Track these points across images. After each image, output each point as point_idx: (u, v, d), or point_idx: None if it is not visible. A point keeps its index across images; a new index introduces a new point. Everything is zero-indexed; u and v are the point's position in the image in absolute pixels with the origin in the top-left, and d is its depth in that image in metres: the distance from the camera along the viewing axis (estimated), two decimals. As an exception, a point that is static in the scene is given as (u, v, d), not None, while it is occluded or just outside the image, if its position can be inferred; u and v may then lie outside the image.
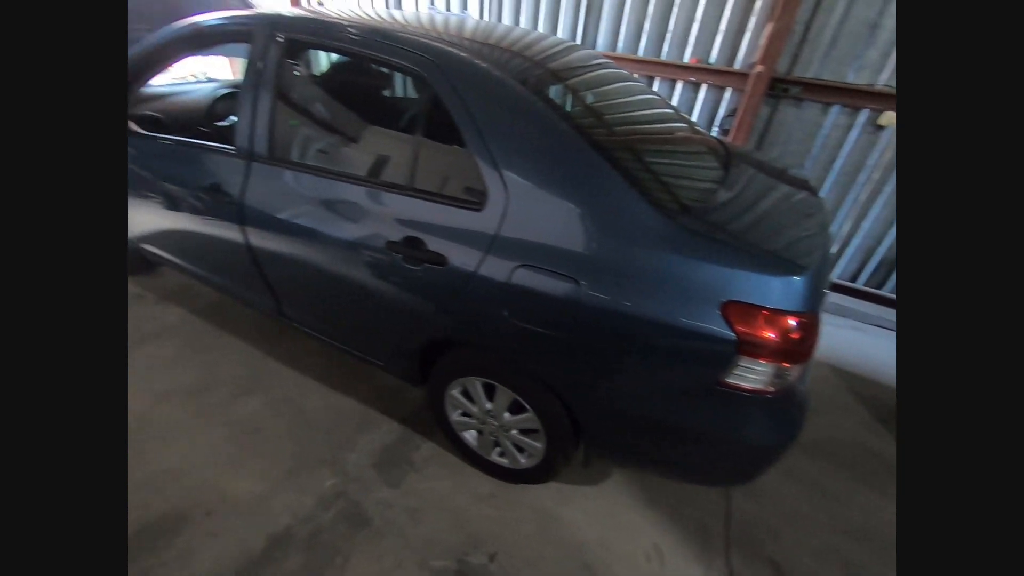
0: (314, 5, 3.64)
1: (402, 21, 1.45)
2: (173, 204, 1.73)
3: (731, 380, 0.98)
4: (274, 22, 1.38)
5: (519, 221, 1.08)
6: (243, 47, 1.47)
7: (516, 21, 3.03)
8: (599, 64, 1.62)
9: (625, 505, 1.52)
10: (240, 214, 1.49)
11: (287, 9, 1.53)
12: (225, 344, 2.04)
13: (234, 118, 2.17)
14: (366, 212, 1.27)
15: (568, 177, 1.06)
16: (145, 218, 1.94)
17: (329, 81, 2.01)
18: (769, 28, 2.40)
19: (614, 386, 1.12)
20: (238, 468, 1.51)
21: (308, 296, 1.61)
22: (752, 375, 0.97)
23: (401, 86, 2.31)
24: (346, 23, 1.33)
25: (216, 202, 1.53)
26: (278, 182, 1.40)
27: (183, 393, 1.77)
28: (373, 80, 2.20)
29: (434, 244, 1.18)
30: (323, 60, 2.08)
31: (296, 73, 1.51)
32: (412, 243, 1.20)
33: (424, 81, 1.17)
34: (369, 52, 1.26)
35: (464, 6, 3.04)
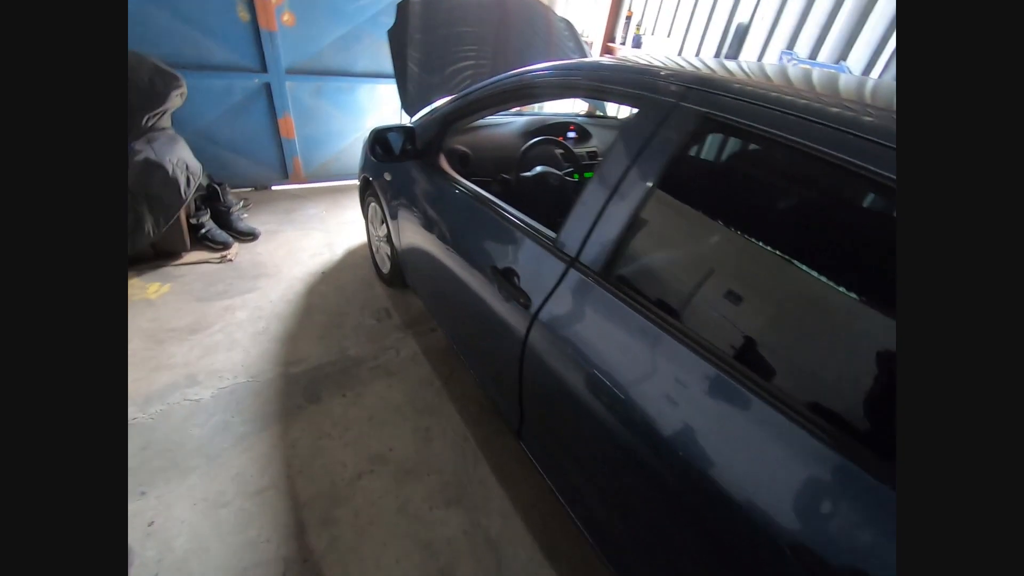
0: (627, 53, 3.35)
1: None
2: (448, 256, 1.51)
3: None
4: (687, 87, 0.91)
5: None
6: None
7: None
8: None
9: None
10: (529, 319, 1.10)
11: (717, 66, 0.99)
12: (444, 411, 1.79)
13: (539, 168, 1.93)
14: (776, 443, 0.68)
15: None
16: (417, 255, 1.82)
17: (750, 189, 1.05)
18: None
19: None
20: (417, 635, 1.15)
21: (572, 452, 1.13)
22: None
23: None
24: (837, 109, 0.70)
25: (503, 290, 1.19)
26: (609, 314, 0.94)
27: (393, 468, 1.55)
28: (835, 203, 0.98)
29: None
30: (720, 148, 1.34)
31: (697, 165, 1.00)
32: None
33: None
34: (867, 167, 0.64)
35: (842, 55, 2.23)
